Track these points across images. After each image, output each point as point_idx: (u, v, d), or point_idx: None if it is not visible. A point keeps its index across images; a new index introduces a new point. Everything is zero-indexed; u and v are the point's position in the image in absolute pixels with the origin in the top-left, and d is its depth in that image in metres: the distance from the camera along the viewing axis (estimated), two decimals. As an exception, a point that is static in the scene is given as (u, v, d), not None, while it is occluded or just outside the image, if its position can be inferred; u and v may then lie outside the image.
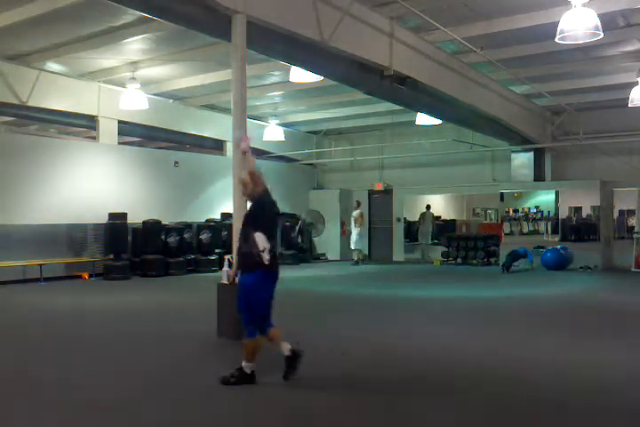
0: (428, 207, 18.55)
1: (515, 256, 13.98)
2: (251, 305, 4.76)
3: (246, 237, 4.77)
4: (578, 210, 20.67)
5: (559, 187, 16.47)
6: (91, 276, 12.53)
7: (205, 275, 13.15)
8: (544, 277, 13.13)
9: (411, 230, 18.51)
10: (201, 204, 15.15)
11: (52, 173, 12.50)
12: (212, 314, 6.61)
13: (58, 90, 12.66)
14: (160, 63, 11.89)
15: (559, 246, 14.89)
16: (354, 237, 16.09)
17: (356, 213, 16.27)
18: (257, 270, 4.74)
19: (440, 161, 16.85)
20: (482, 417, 4.12)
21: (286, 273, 13.37)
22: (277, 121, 16.65)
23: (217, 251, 14.10)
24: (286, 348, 4.77)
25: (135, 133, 15.34)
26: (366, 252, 17.36)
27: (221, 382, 4.67)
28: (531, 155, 15.54)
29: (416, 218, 18.95)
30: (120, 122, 13.88)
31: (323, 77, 10.27)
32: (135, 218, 12.86)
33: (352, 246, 16.14)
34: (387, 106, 13.59)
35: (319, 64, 9.09)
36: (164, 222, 13.31)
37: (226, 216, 14.19)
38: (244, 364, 4.72)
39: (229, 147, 15.23)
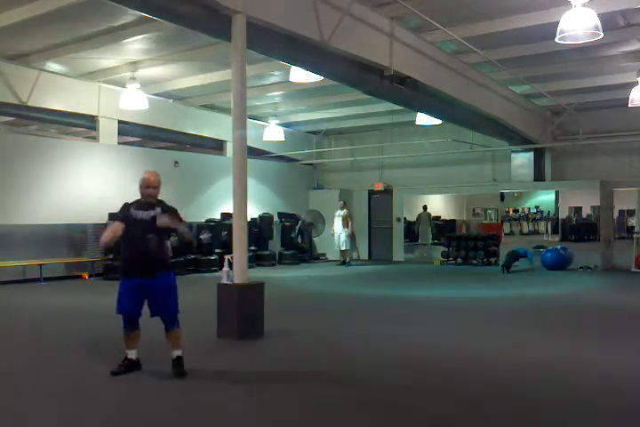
0: (425, 208, 18.60)
1: (515, 256, 13.98)
2: (177, 300, 5.04)
3: (159, 243, 4.93)
4: (578, 210, 20.67)
5: (559, 187, 16.46)
6: (91, 276, 12.54)
7: (205, 275, 13.16)
8: (544, 277, 13.13)
9: (410, 230, 18.54)
10: (201, 204, 15.15)
11: (51, 173, 12.50)
12: (211, 314, 6.61)
13: (58, 90, 12.66)
14: (160, 63, 11.89)
15: (559, 246, 14.90)
16: (343, 237, 16.00)
17: (343, 213, 16.14)
18: (172, 271, 5.08)
19: (440, 161, 16.85)
20: (482, 417, 4.12)
21: (287, 273, 13.50)
22: (277, 121, 16.64)
23: (217, 251, 14.11)
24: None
25: (135, 133, 15.34)
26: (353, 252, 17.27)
27: (180, 376, 4.88)
28: (531, 155, 15.53)
29: (416, 218, 19.00)
30: (120, 122, 13.87)
31: (323, 77, 10.27)
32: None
33: (342, 247, 16.04)
34: (387, 106, 13.58)
35: (319, 64, 9.09)
36: (163, 222, 13.31)
37: (226, 216, 14.19)
38: (178, 352, 4.99)
39: (229, 147, 15.24)
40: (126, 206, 5.06)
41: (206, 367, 5.32)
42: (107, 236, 4.93)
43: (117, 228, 4.94)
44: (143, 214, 4.94)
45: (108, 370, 4.98)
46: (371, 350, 6.14)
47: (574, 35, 7.74)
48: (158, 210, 4.95)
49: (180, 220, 4.99)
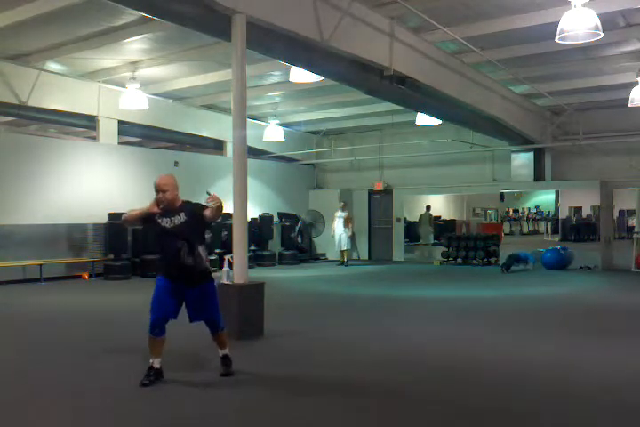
0: (428, 208, 18.63)
1: (515, 259, 13.99)
2: (217, 305, 5.04)
3: (191, 251, 4.76)
4: (578, 210, 20.67)
5: (559, 187, 16.46)
6: (91, 276, 12.54)
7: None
8: (544, 277, 13.13)
9: (410, 230, 18.55)
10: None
11: (52, 173, 12.50)
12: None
13: (58, 90, 12.65)
14: (160, 63, 11.89)
15: (559, 246, 14.89)
16: (344, 237, 15.98)
17: (344, 214, 16.10)
18: (212, 281, 4.98)
19: (440, 161, 16.84)
20: (482, 417, 4.12)
21: (287, 273, 13.49)
22: (277, 121, 16.64)
23: (216, 251, 14.10)
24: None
25: (135, 133, 15.34)
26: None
27: (226, 375, 4.99)
28: (531, 155, 15.53)
29: (416, 218, 19.04)
30: (120, 122, 13.87)
31: (323, 77, 10.27)
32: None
33: (343, 248, 16.01)
34: (387, 106, 13.58)
35: (319, 64, 9.09)
36: (163, 222, 13.31)
37: (225, 216, 14.16)
38: (224, 351, 5.08)
39: (229, 147, 15.24)
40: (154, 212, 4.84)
41: (206, 367, 5.33)
42: (126, 215, 4.90)
43: (133, 211, 4.88)
44: (167, 222, 4.79)
45: (106, 370, 4.96)
46: (370, 350, 6.14)
47: (574, 35, 7.74)
48: (182, 216, 4.79)
49: (217, 207, 4.73)
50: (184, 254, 4.73)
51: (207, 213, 4.75)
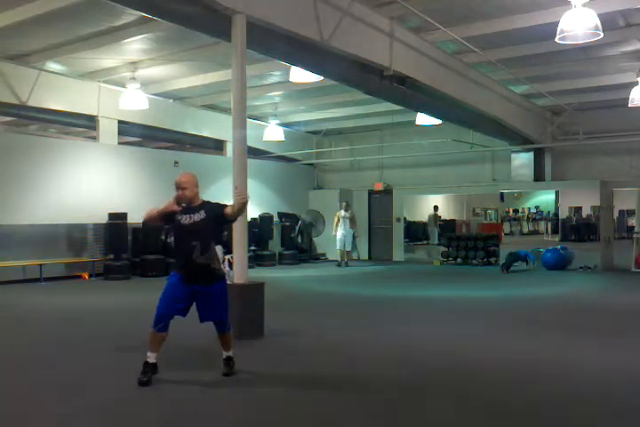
0: (435, 208, 18.69)
1: (515, 258, 14.01)
2: (225, 306, 5.04)
3: (205, 250, 4.75)
4: (578, 210, 20.68)
5: (559, 187, 16.47)
6: (91, 276, 12.54)
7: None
8: (544, 277, 13.13)
9: (410, 230, 18.57)
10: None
11: (51, 173, 12.50)
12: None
13: (58, 90, 12.65)
14: (160, 63, 11.89)
15: (559, 246, 14.90)
16: (349, 238, 15.94)
17: (348, 213, 16.08)
18: (223, 280, 4.99)
19: (440, 161, 16.84)
20: (482, 418, 4.12)
21: (287, 273, 13.49)
22: (277, 121, 16.64)
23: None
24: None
25: (135, 133, 15.33)
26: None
27: (228, 375, 4.99)
28: (531, 155, 15.53)
29: (416, 218, 19.09)
30: (120, 122, 13.87)
31: (323, 77, 10.27)
32: (135, 218, 12.85)
33: (349, 248, 15.98)
34: (387, 106, 13.58)
35: (319, 64, 9.09)
36: (163, 222, 13.30)
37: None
38: (228, 353, 5.09)
39: (229, 147, 15.24)
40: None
41: (205, 367, 5.33)
42: (146, 215, 4.93)
43: (154, 210, 4.90)
44: (186, 219, 4.83)
45: (108, 370, 4.96)
46: (370, 350, 6.14)
47: (574, 35, 7.74)
48: (202, 213, 4.83)
49: (240, 205, 4.80)
50: (197, 252, 4.74)
51: (228, 210, 4.82)
